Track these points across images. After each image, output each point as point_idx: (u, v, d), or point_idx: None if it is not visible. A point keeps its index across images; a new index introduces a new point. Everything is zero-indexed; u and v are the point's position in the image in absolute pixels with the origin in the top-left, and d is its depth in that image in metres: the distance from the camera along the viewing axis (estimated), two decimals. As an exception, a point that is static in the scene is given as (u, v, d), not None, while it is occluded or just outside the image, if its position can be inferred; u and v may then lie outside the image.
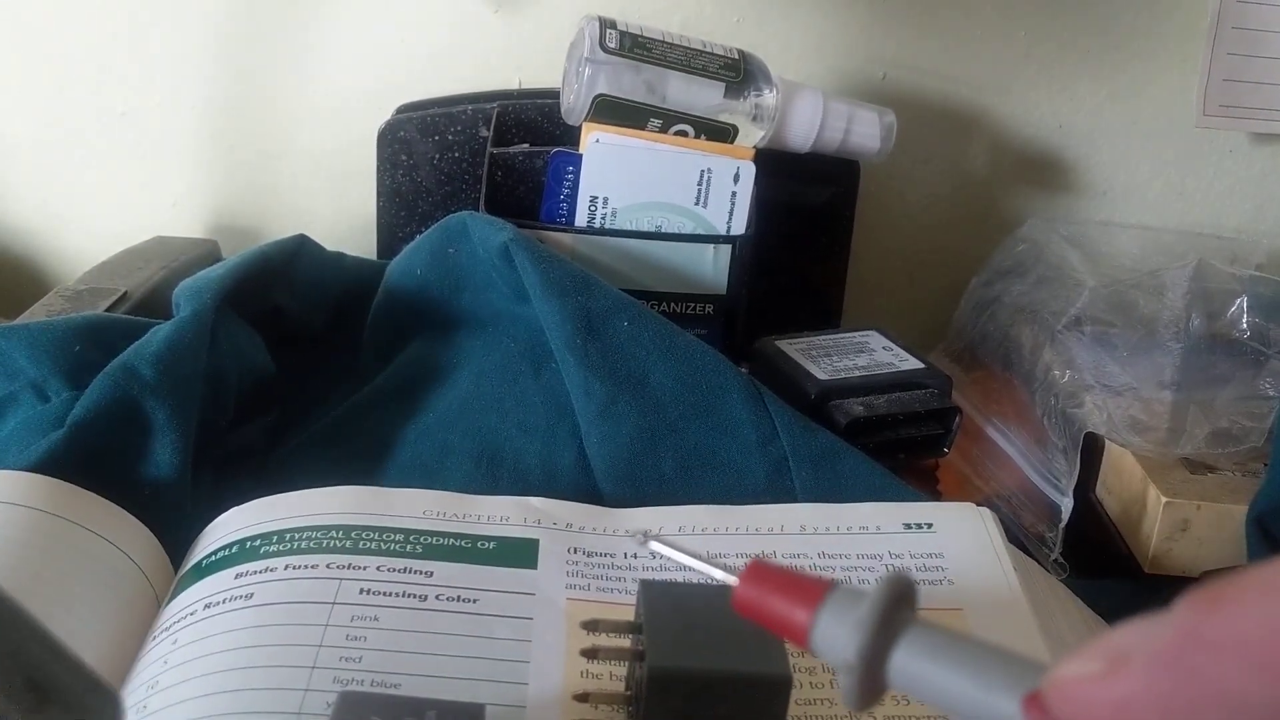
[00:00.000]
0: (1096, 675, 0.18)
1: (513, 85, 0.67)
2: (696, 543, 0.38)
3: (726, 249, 0.54)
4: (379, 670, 0.31)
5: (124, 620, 0.34)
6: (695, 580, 0.36)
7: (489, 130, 0.61)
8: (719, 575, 0.24)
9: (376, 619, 0.33)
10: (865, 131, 0.57)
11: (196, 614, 0.34)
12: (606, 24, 0.54)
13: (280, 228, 0.68)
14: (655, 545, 0.26)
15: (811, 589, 0.22)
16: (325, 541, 0.36)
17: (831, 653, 0.22)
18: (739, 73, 0.54)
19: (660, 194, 0.54)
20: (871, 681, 0.21)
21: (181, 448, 0.41)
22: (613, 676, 0.32)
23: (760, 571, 0.23)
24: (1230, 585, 0.17)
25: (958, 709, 0.20)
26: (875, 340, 0.52)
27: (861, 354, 0.51)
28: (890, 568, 0.37)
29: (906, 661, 0.20)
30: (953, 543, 0.38)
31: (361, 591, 0.34)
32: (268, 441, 0.47)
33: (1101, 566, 0.50)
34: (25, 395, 0.42)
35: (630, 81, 0.53)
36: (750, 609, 0.23)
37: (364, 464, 0.44)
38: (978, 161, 0.71)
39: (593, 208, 0.54)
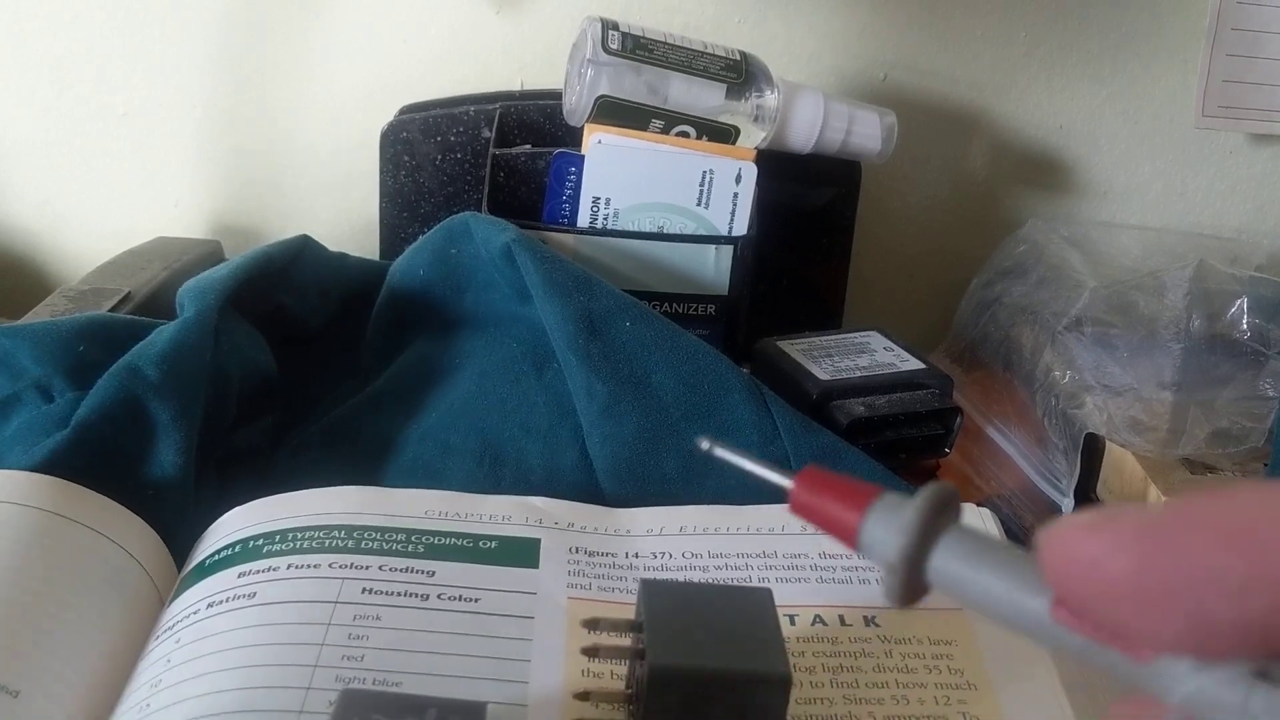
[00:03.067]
0: (1084, 526, 0.19)
1: (515, 86, 0.67)
2: (698, 543, 0.38)
3: (728, 250, 0.54)
4: (381, 669, 0.31)
5: (128, 620, 0.35)
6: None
7: (491, 131, 0.61)
8: (776, 478, 0.25)
9: (378, 618, 0.33)
10: (866, 132, 0.57)
11: (199, 613, 0.34)
12: (608, 25, 0.54)
13: (283, 228, 0.69)
14: (720, 451, 0.27)
15: (862, 493, 0.23)
16: (328, 541, 0.36)
17: (877, 553, 0.23)
18: (740, 74, 0.55)
19: (662, 195, 0.54)
20: (912, 581, 0.22)
21: (185, 448, 0.41)
22: (613, 675, 0.32)
23: (815, 476, 0.24)
24: (1229, 485, 0.18)
25: (992, 609, 0.21)
26: (876, 340, 0.52)
27: (862, 354, 0.51)
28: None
29: (945, 563, 0.22)
30: (953, 542, 0.38)
31: (364, 591, 0.34)
32: (270, 441, 0.48)
33: (1102, 567, 0.50)
34: (29, 395, 0.42)
35: (632, 83, 0.53)
36: (805, 510, 0.24)
37: (366, 464, 0.44)
38: (978, 162, 0.71)
39: (595, 208, 0.54)
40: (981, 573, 0.21)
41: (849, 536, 0.23)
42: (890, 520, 0.22)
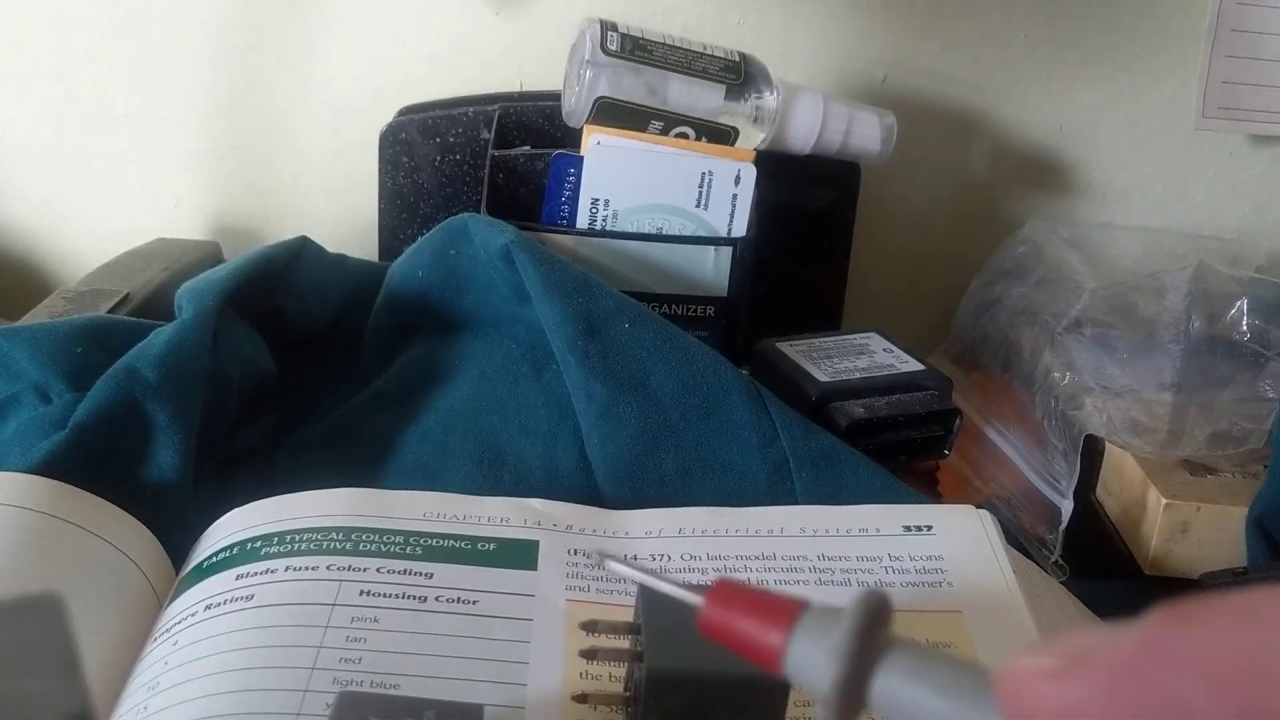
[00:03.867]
0: (1049, 672, 0.17)
1: (514, 87, 0.67)
2: (697, 545, 0.38)
3: (727, 251, 0.54)
4: (378, 671, 0.31)
5: (125, 622, 0.35)
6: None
7: (490, 132, 0.61)
8: (682, 595, 0.23)
9: (376, 620, 0.33)
10: (866, 133, 0.57)
11: (197, 615, 0.34)
12: (608, 26, 0.54)
13: (282, 229, 0.69)
14: (613, 565, 0.25)
15: (783, 609, 0.21)
16: (325, 543, 0.36)
17: (807, 678, 0.21)
18: (740, 75, 0.55)
19: (661, 196, 0.54)
20: (851, 705, 0.20)
21: (183, 450, 0.41)
22: (612, 678, 0.32)
23: (727, 591, 0.22)
24: (1202, 605, 0.16)
25: None
26: (875, 342, 0.52)
27: (862, 356, 0.51)
28: (890, 570, 0.37)
29: (887, 685, 0.20)
30: (952, 545, 0.38)
31: (361, 593, 0.34)
32: (269, 443, 0.47)
33: (1101, 568, 0.50)
34: (27, 397, 0.42)
35: (631, 84, 0.53)
36: (718, 631, 0.22)
37: (365, 465, 0.44)
38: (978, 163, 0.71)
39: (594, 210, 0.54)
40: (931, 694, 0.19)
41: (772, 660, 0.21)
42: (819, 641, 0.20)
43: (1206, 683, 0.15)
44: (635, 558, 0.38)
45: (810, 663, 0.21)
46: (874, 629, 0.20)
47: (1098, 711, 0.16)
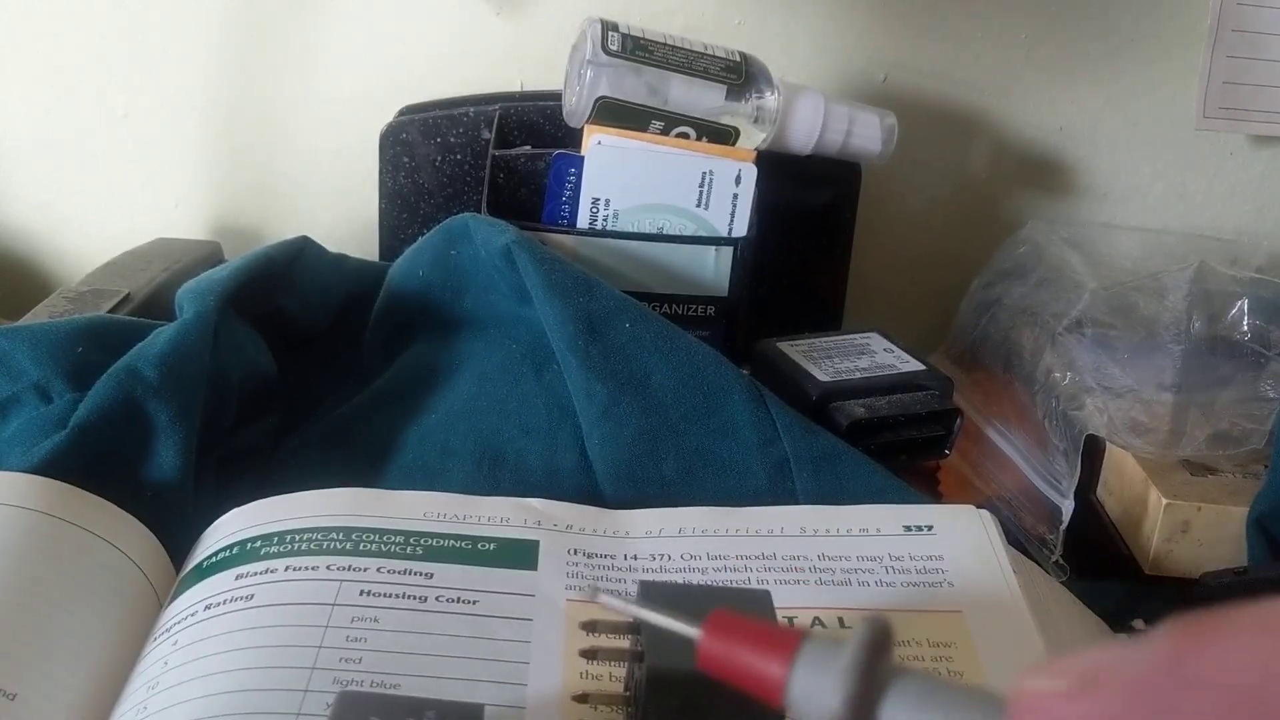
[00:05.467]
0: (1063, 694, 0.17)
1: (515, 87, 0.67)
2: (697, 545, 0.38)
3: (728, 251, 0.54)
4: (378, 671, 0.31)
5: (125, 622, 0.35)
6: (692, 583, 0.36)
7: (491, 132, 0.61)
8: (680, 629, 0.23)
9: (376, 620, 0.33)
10: (866, 134, 0.57)
11: (197, 615, 0.34)
12: (608, 26, 0.54)
13: (282, 229, 0.69)
14: (606, 600, 0.25)
15: (783, 640, 0.21)
16: (325, 543, 0.36)
17: (810, 709, 0.20)
18: (740, 75, 0.55)
19: (662, 196, 0.54)
20: None
21: (184, 450, 0.41)
22: (612, 677, 0.32)
23: (727, 622, 0.22)
24: (1220, 622, 0.16)
25: None
26: (876, 342, 0.52)
27: (862, 356, 0.51)
28: (890, 570, 0.37)
29: (896, 714, 0.19)
30: (952, 545, 0.38)
31: (361, 593, 0.34)
32: (270, 443, 0.47)
33: (1102, 568, 0.50)
34: (28, 396, 0.42)
35: (632, 84, 0.53)
36: (718, 664, 0.22)
37: (366, 465, 0.44)
38: (979, 164, 0.71)
39: (594, 210, 0.54)
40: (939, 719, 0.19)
41: (774, 692, 0.21)
42: (824, 670, 0.20)
43: (1223, 703, 0.15)
44: (635, 557, 0.38)
45: (813, 693, 0.20)
46: (878, 657, 0.20)
47: None
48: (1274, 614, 0.15)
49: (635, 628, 0.30)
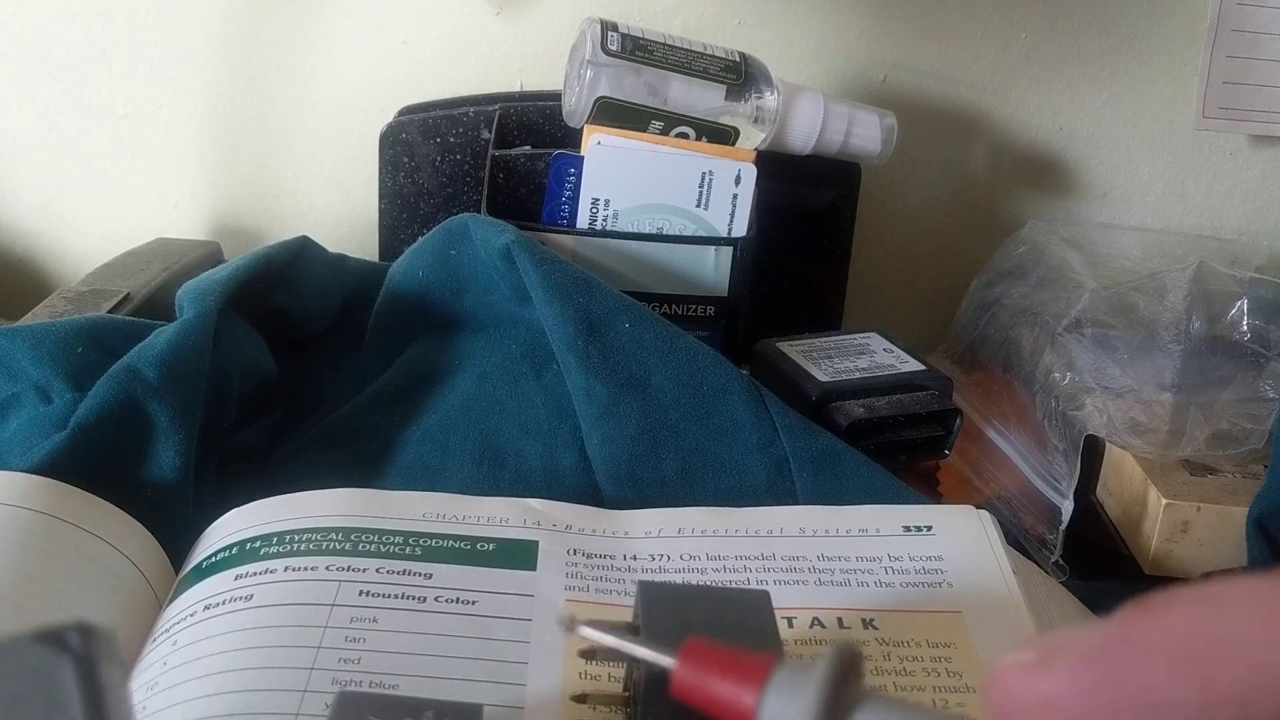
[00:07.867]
0: (1027, 666, 0.18)
1: (514, 87, 0.67)
2: (696, 545, 0.38)
3: (728, 251, 0.54)
4: (377, 671, 0.31)
5: (124, 623, 0.35)
6: (695, 584, 0.36)
7: (491, 132, 0.61)
8: (654, 657, 0.23)
9: (375, 620, 0.33)
10: (866, 134, 0.57)
11: (196, 615, 0.34)
12: (608, 26, 0.54)
13: (282, 229, 0.69)
14: (584, 631, 0.25)
15: (754, 667, 0.21)
16: (325, 543, 0.36)
17: None
18: (740, 75, 0.55)
19: (661, 196, 0.54)
20: None
21: (184, 450, 0.41)
22: (611, 678, 0.32)
23: (699, 650, 0.22)
24: (1168, 595, 0.17)
25: None
26: (876, 342, 0.52)
27: (862, 356, 0.51)
28: (890, 570, 0.37)
29: None
30: (952, 545, 0.38)
31: (360, 593, 0.34)
32: (270, 443, 0.48)
33: (1102, 568, 0.50)
34: (28, 396, 0.42)
35: (631, 84, 0.53)
36: (692, 691, 0.22)
37: (366, 465, 0.44)
38: (978, 163, 0.71)
39: (594, 210, 0.54)
40: None
41: (745, 718, 0.21)
42: (794, 695, 0.20)
43: (1167, 664, 0.16)
44: (635, 557, 0.38)
45: (785, 716, 0.21)
46: (846, 682, 0.20)
47: (1071, 699, 0.17)
48: (1216, 586, 0.17)
49: (635, 628, 0.30)
